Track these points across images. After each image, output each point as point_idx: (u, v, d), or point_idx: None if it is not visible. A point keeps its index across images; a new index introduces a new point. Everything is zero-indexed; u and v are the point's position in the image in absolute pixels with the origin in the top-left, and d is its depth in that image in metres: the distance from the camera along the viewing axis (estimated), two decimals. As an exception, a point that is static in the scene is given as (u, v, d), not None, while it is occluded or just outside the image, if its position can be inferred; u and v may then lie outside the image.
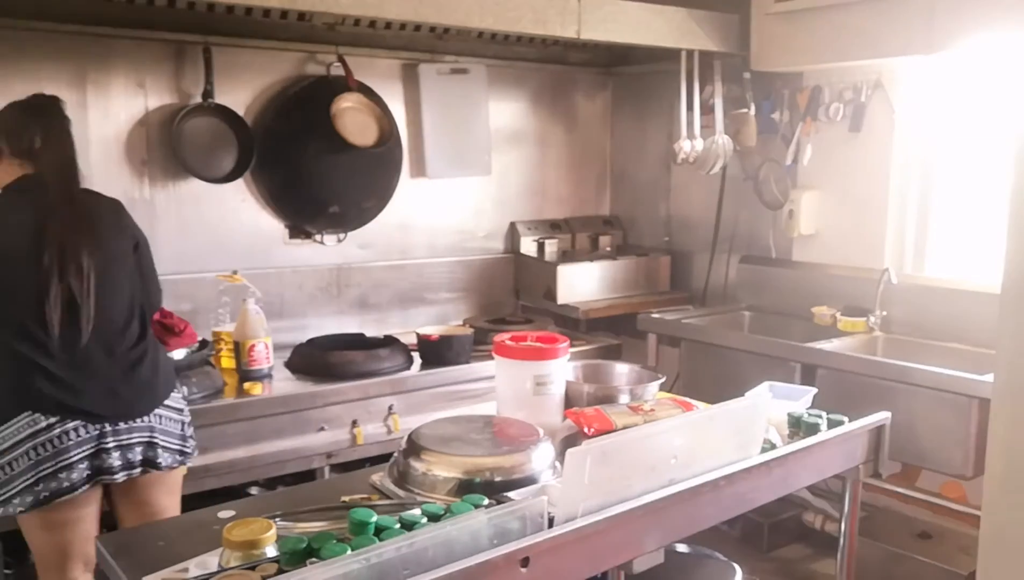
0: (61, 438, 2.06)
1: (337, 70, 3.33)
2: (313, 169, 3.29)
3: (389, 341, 3.15)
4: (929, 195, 3.35)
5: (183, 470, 2.35)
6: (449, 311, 3.79)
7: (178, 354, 2.61)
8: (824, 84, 3.44)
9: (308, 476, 2.80)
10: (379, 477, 1.72)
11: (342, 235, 3.50)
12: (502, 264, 3.97)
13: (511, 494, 1.50)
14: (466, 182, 3.83)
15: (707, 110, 3.59)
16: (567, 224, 4.18)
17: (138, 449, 2.16)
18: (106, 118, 2.96)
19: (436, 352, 3.12)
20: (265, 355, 2.92)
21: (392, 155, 3.54)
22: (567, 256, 4.05)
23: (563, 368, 2.03)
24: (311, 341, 3.15)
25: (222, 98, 3.13)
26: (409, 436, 1.73)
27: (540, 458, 1.67)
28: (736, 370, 3.20)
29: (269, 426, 2.72)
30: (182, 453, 2.28)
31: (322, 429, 2.82)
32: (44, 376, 2.06)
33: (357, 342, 3.17)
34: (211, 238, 3.20)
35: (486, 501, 1.46)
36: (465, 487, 1.57)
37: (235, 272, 3.04)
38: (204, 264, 3.14)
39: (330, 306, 3.47)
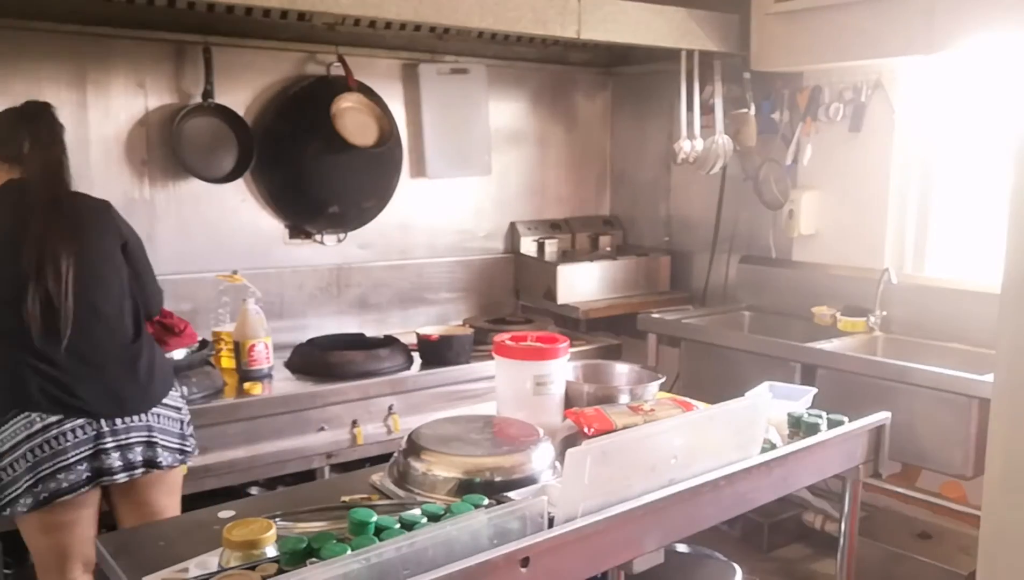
0: (59, 439, 2.06)
1: (337, 70, 3.33)
2: (313, 169, 3.29)
3: (389, 341, 3.15)
4: (929, 195, 3.35)
5: (183, 470, 2.35)
6: (449, 311, 3.79)
7: (178, 354, 2.61)
8: (824, 84, 3.44)
9: (308, 476, 2.80)
10: (379, 477, 1.72)
11: (342, 235, 3.50)
12: (502, 264, 3.97)
13: (511, 494, 1.50)
14: (466, 182, 3.83)
15: (707, 110, 3.59)
16: (567, 224, 4.18)
17: (138, 449, 2.16)
18: (106, 118, 2.96)
19: (436, 352, 3.12)
20: (265, 355, 2.92)
21: (392, 155, 3.54)
22: (567, 256, 4.05)
23: (563, 368, 2.03)
24: (311, 341, 3.15)
25: (222, 98, 3.13)
26: (409, 436, 1.73)
27: (540, 458, 1.67)
28: (736, 370, 3.20)
29: (269, 426, 2.72)
30: (182, 452, 2.28)
31: (322, 429, 2.82)
32: (36, 375, 2.06)
33: (357, 342, 3.17)
34: (211, 238, 3.20)
35: (486, 501, 1.46)
36: (465, 487, 1.57)
37: (235, 272, 3.04)
38: (204, 264, 3.14)
39: (330, 306, 3.47)
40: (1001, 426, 1.97)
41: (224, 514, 1.60)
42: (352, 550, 1.24)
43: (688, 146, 3.54)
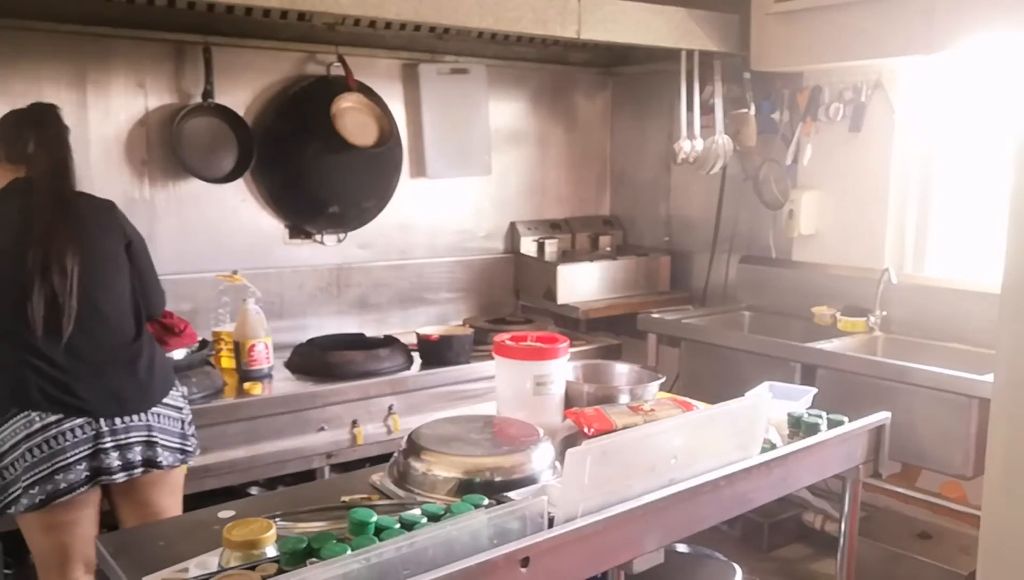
0: (57, 438, 2.06)
1: (337, 70, 3.33)
2: (313, 169, 3.29)
3: (389, 341, 3.15)
4: (929, 195, 3.35)
5: (184, 470, 2.35)
6: (449, 311, 3.79)
7: (178, 354, 2.61)
8: (824, 84, 3.44)
9: (308, 476, 2.80)
10: (379, 477, 1.72)
11: (342, 235, 3.50)
12: (502, 264, 3.97)
13: (511, 494, 1.50)
14: (466, 182, 3.83)
15: (707, 110, 3.59)
16: (567, 224, 4.18)
17: (137, 449, 2.16)
18: (106, 118, 2.96)
19: (436, 352, 3.12)
20: (265, 355, 2.92)
21: (392, 155, 3.54)
22: (567, 256, 4.05)
23: (563, 368, 2.03)
24: (311, 341, 3.15)
25: (222, 98, 3.13)
26: (409, 436, 1.73)
27: (540, 458, 1.67)
28: (736, 370, 3.20)
29: (269, 426, 2.72)
30: (183, 452, 2.27)
31: (322, 429, 2.82)
32: (36, 374, 2.06)
33: (357, 342, 3.17)
34: (211, 238, 3.20)
35: (486, 501, 1.46)
36: (465, 487, 1.57)
37: (235, 272, 3.04)
38: (204, 264, 3.14)
39: (330, 306, 3.47)
40: (1001, 426, 1.98)
41: (224, 514, 1.60)
42: (352, 550, 1.24)
43: (688, 146, 3.54)
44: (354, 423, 2.88)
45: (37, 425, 2.05)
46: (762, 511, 3.22)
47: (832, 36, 3.16)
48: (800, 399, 2.02)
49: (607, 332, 3.78)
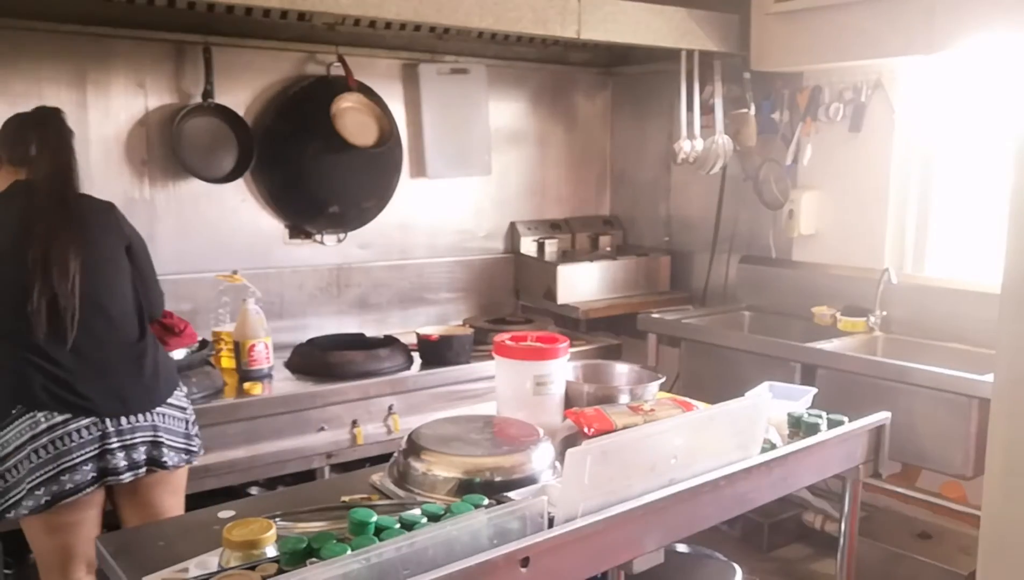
0: (63, 439, 2.05)
1: (337, 70, 3.33)
2: (313, 169, 3.29)
3: (389, 341, 3.15)
4: (929, 195, 3.35)
5: (187, 470, 2.35)
6: (449, 311, 3.79)
7: (178, 354, 2.61)
8: (824, 84, 3.44)
9: (308, 476, 2.80)
10: (379, 477, 1.72)
11: (342, 235, 3.50)
12: (502, 264, 3.97)
13: (511, 494, 1.50)
14: (466, 182, 3.83)
15: (707, 110, 3.59)
16: (567, 224, 4.18)
17: (142, 449, 2.16)
18: (106, 118, 2.96)
19: (436, 352, 3.12)
20: (265, 355, 2.92)
21: (392, 155, 3.54)
22: (567, 256, 4.05)
23: (563, 368, 2.03)
24: (311, 341, 3.15)
25: (222, 98, 3.13)
26: (409, 436, 1.73)
27: (540, 458, 1.67)
28: (736, 370, 3.20)
29: (269, 426, 2.72)
30: (188, 452, 2.28)
31: (322, 429, 2.82)
32: (40, 374, 2.06)
33: (357, 342, 3.17)
34: (211, 238, 3.20)
35: (486, 501, 1.46)
36: (465, 487, 1.57)
37: (235, 272, 3.04)
38: (204, 264, 3.14)
39: (330, 306, 3.47)
40: (1001, 426, 1.98)
41: (224, 514, 1.60)
42: (352, 550, 1.24)
43: (688, 146, 3.54)
44: (354, 423, 2.88)
45: (43, 426, 2.04)
46: (762, 511, 3.22)
47: (832, 36, 3.16)
48: (800, 399, 2.02)
49: (607, 332, 3.78)
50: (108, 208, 2.30)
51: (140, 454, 2.16)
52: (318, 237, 3.45)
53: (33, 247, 2.07)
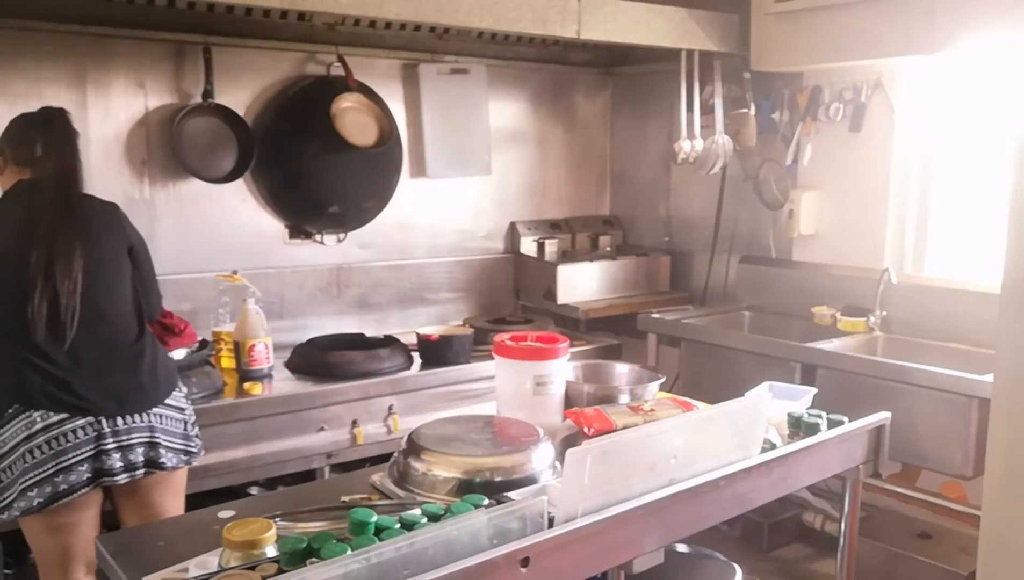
0: (59, 439, 2.05)
1: (337, 70, 3.33)
2: (313, 169, 3.29)
3: (389, 341, 3.15)
4: (929, 195, 3.35)
5: (187, 471, 2.35)
6: (449, 311, 3.79)
7: (178, 354, 2.61)
8: (824, 84, 3.44)
9: (308, 476, 2.80)
10: (379, 477, 1.72)
11: (342, 235, 3.51)
12: (502, 264, 3.97)
13: (511, 494, 1.50)
14: (466, 182, 3.83)
15: (707, 110, 3.59)
16: (567, 224, 4.18)
17: (139, 450, 2.16)
18: (106, 118, 2.96)
19: (436, 352, 3.12)
20: (265, 355, 2.92)
21: (392, 155, 3.54)
22: (567, 256, 4.05)
23: (563, 368, 2.03)
24: (311, 341, 3.15)
25: (222, 98, 3.13)
26: (409, 436, 1.73)
27: (540, 458, 1.67)
28: (736, 370, 3.20)
29: (269, 426, 2.72)
30: (187, 452, 2.27)
31: (322, 429, 2.82)
32: (37, 374, 2.06)
33: (357, 342, 3.17)
34: (211, 238, 3.20)
35: (486, 501, 1.46)
36: (465, 487, 1.57)
37: (235, 272, 3.04)
38: (204, 264, 3.14)
39: (330, 306, 3.47)
40: (1001, 426, 1.98)
41: (224, 514, 1.59)
42: (352, 550, 1.24)
43: (688, 146, 3.54)
44: (354, 423, 2.88)
45: (39, 425, 2.04)
46: (762, 511, 3.22)
47: (832, 36, 3.16)
48: (800, 399, 2.02)
49: (607, 332, 3.78)
50: (111, 209, 2.30)
51: (137, 455, 2.15)
52: (318, 237, 3.45)
53: (36, 247, 2.07)
